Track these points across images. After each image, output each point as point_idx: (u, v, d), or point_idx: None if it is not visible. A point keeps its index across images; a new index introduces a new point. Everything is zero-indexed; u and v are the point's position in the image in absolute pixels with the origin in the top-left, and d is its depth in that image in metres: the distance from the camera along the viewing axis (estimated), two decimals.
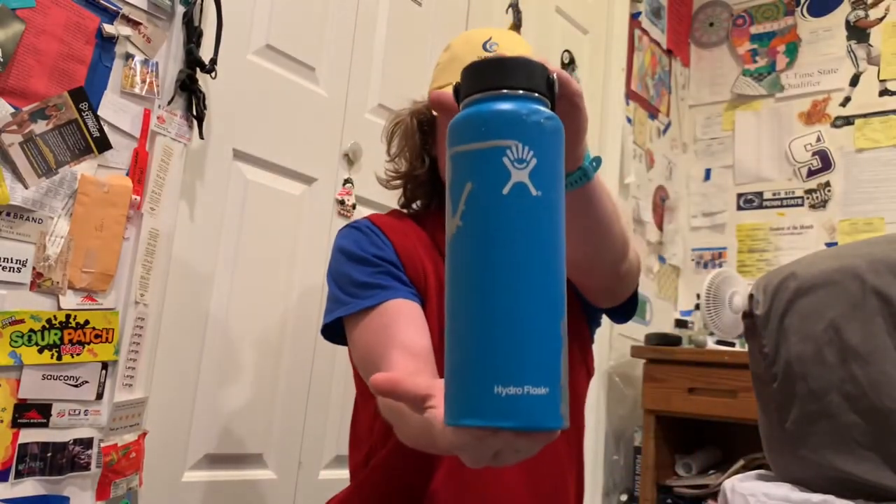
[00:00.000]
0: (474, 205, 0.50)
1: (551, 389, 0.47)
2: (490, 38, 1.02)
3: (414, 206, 1.17)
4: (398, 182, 1.15)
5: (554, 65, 0.60)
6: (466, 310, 0.49)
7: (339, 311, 0.98)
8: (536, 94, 0.53)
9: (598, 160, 0.78)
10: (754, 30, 3.03)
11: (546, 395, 0.47)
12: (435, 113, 1.06)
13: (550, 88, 0.56)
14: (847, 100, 2.78)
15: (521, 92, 0.53)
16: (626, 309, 1.07)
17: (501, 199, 0.49)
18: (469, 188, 0.50)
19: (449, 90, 0.62)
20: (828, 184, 2.78)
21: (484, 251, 0.49)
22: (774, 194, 2.89)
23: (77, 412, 1.15)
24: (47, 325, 1.10)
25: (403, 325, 0.91)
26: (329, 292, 1.03)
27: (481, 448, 0.49)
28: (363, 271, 0.99)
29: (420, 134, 1.10)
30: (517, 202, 0.49)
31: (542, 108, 0.52)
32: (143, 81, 1.24)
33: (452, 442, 0.50)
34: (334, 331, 1.02)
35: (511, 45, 1.01)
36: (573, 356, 1.04)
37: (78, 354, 1.14)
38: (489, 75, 0.53)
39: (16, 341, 1.07)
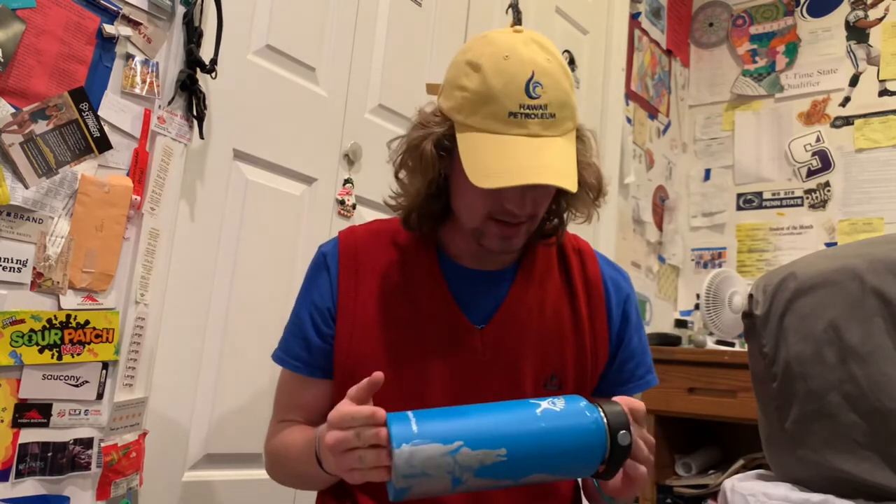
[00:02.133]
0: None
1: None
2: (533, 76, 0.91)
3: (414, 228, 1.06)
4: (408, 206, 1.05)
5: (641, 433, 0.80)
6: None
7: (276, 354, 1.10)
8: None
9: None
10: (754, 30, 3.03)
11: None
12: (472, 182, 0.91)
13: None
14: (847, 100, 2.78)
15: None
16: None
17: None
18: None
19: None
20: (827, 184, 2.78)
21: None
22: (774, 194, 2.89)
23: (77, 412, 1.15)
24: (48, 325, 1.11)
25: (303, 401, 1.07)
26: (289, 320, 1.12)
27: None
28: (295, 328, 1.08)
29: (439, 160, 0.97)
30: None
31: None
32: (144, 81, 1.24)
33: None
34: None
35: (554, 88, 0.92)
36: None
37: (78, 354, 1.14)
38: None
39: (16, 341, 1.07)
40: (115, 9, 1.20)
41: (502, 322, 1.02)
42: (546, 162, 0.90)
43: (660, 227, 2.89)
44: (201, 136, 1.34)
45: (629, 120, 2.69)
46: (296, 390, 1.07)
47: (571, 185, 0.90)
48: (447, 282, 1.03)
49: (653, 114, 2.87)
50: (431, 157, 0.96)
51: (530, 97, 0.91)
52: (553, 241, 1.07)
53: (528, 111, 0.90)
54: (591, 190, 1.01)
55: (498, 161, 0.90)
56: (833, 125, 2.79)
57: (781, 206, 2.87)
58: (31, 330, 1.09)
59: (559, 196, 1.02)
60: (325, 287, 1.05)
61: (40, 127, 1.10)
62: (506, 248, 0.98)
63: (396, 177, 1.03)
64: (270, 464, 1.08)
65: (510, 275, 1.05)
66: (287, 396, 1.09)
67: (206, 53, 1.32)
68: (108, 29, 1.19)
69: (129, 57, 1.22)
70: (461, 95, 0.94)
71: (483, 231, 0.97)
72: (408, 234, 1.06)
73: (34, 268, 1.10)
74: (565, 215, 1.06)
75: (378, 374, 0.79)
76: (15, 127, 1.07)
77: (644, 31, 2.81)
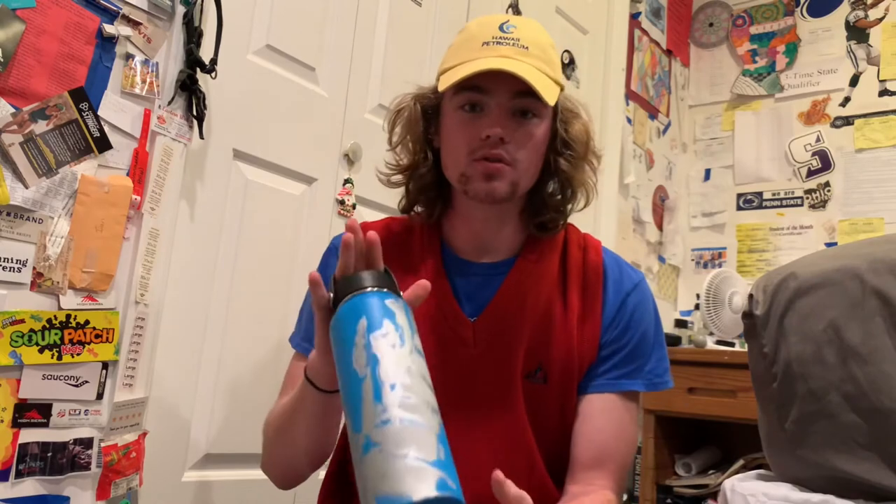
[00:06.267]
0: None
1: None
2: (507, 21, 0.98)
3: (416, 209, 1.09)
4: (399, 178, 1.08)
5: None
6: None
7: (293, 339, 1.11)
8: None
9: None
10: (754, 30, 3.03)
11: None
12: (441, 90, 0.98)
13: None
14: (847, 100, 2.78)
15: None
16: None
17: None
18: None
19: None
20: (827, 184, 2.78)
21: None
22: (774, 194, 2.89)
23: (77, 412, 1.15)
24: (47, 325, 1.10)
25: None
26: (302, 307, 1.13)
27: None
28: (305, 309, 1.11)
29: (424, 121, 1.04)
30: None
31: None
32: (144, 81, 1.24)
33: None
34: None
35: (528, 30, 0.98)
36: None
37: (78, 354, 1.14)
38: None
39: (16, 341, 1.07)
40: (115, 9, 1.20)
41: (493, 314, 1.01)
42: (514, 65, 0.93)
43: (660, 227, 2.89)
44: (201, 136, 1.34)
45: (629, 120, 2.69)
46: (299, 369, 1.05)
47: (542, 87, 0.93)
48: (448, 275, 1.04)
49: (653, 114, 2.87)
50: (416, 114, 1.03)
51: (503, 32, 0.97)
52: (556, 234, 1.06)
53: (500, 40, 0.96)
54: (576, 142, 1.02)
55: (464, 69, 0.95)
56: (833, 125, 2.79)
57: (781, 207, 2.87)
58: (31, 330, 1.09)
59: (549, 157, 1.02)
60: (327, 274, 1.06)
61: (40, 127, 1.10)
62: (490, 191, 0.96)
63: (391, 146, 1.08)
64: (265, 436, 1.03)
65: (507, 268, 1.04)
66: (290, 377, 1.08)
67: (205, 53, 1.32)
68: (108, 29, 1.19)
69: (129, 57, 1.22)
70: (448, 51, 1.02)
71: (468, 175, 0.97)
72: (416, 229, 1.08)
73: (34, 268, 1.09)
74: (568, 206, 1.05)
75: (372, 235, 0.77)
76: (15, 127, 1.07)
77: (644, 31, 2.81)
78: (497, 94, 0.96)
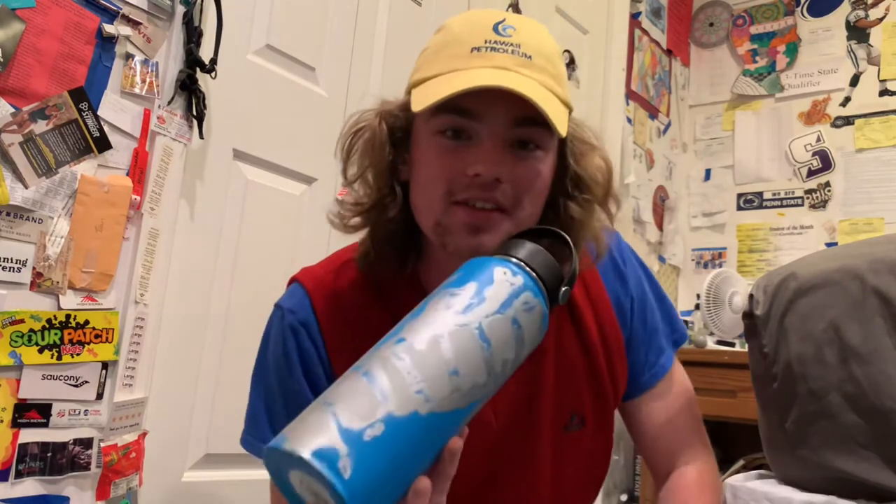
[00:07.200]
0: None
1: None
2: (504, 20, 0.74)
3: (381, 266, 0.83)
4: (359, 221, 0.84)
5: None
6: None
7: (254, 450, 0.89)
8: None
9: None
10: (754, 30, 3.03)
11: None
12: (415, 111, 0.72)
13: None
14: (847, 100, 2.78)
15: None
16: None
17: None
18: None
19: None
20: (828, 184, 2.78)
21: None
22: (774, 194, 2.88)
23: (77, 412, 1.15)
24: (47, 325, 1.10)
25: None
26: (249, 398, 0.91)
27: None
28: (267, 415, 0.88)
29: (391, 147, 0.79)
30: None
31: None
32: (143, 81, 1.24)
33: None
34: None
35: (531, 33, 0.75)
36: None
37: (78, 354, 1.14)
38: None
39: (16, 341, 1.07)
40: (115, 8, 1.20)
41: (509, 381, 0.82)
42: (517, 80, 0.70)
43: (660, 227, 2.88)
44: (201, 136, 1.34)
45: (629, 120, 2.69)
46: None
47: (554, 112, 0.69)
48: None
49: (653, 114, 2.87)
50: (381, 137, 0.78)
51: (499, 34, 0.73)
52: None
53: (495, 45, 0.72)
54: (592, 182, 0.78)
55: (447, 84, 0.70)
56: (833, 125, 2.79)
57: (782, 206, 2.86)
58: (31, 330, 1.09)
59: (555, 199, 0.78)
60: (293, 369, 0.86)
61: (40, 127, 1.10)
62: (477, 248, 0.71)
63: (346, 181, 0.85)
64: None
65: None
66: None
67: (205, 53, 1.32)
68: (108, 29, 1.19)
69: (128, 57, 1.22)
70: (421, 56, 0.78)
71: (446, 225, 0.73)
72: (385, 287, 0.84)
73: (34, 268, 1.09)
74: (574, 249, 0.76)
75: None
76: (14, 127, 1.07)
77: (644, 31, 2.81)
78: (491, 121, 0.72)
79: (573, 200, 0.78)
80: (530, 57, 0.72)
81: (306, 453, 0.47)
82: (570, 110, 0.77)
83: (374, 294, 0.84)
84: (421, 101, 0.71)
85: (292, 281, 0.92)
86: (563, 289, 0.65)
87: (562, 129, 0.70)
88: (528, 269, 0.61)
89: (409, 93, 0.77)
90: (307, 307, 0.86)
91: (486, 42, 0.72)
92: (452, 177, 0.72)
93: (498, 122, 0.72)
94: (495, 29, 0.73)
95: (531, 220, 0.76)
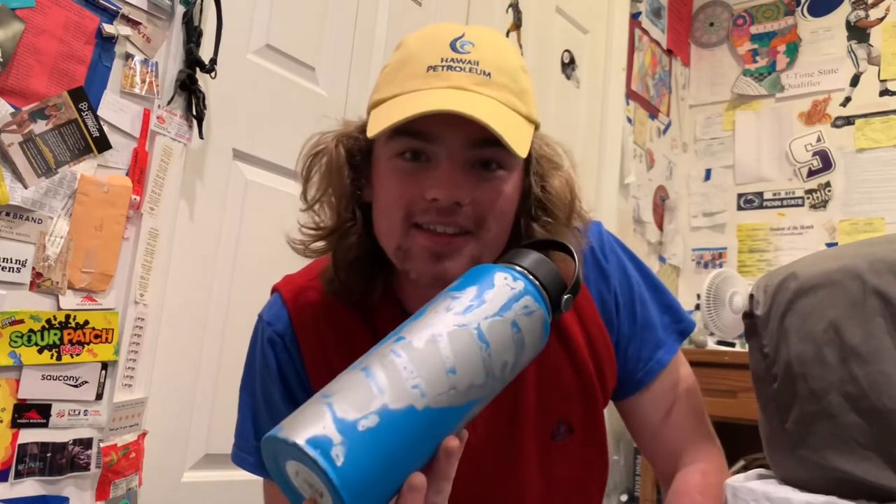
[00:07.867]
0: None
1: None
2: (462, 35, 0.73)
3: (346, 294, 0.83)
4: (322, 245, 0.85)
5: None
6: None
7: (244, 465, 0.91)
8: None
9: None
10: (754, 30, 3.03)
11: None
12: (371, 136, 0.71)
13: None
14: (847, 100, 2.78)
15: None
16: None
17: None
18: None
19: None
20: (828, 184, 2.78)
21: None
22: (775, 194, 2.88)
23: (77, 412, 1.14)
24: (47, 326, 1.10)
25: None
26: (238, 410, 0.91)
27: None
28: (253, 426, 0.88)
29: (350, 170, 0.78)
30: None
31: None
32: (143, 81, 1.24)
33: None
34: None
35: (490, 48, 0.73)
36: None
37: (77, 354, 1.14)
38: None
39: (15, 341, 1.07)
40: (115, 8, 1.20)
41: None
42: (472, 102, 0.68)
43: (660, 227, 2.88)
44: (201, 136, 1.34)
45: (629, 120, 2.69)
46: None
47: (512, 133, 0.68)
48: None
49: (653, 113, 2.87)
50: (339, 160, 0.78)
51: (456, 51, 0.71)
52: None
53: (451, 63, 0.71)
54: (555, 204, 0.76)
55: (401, 107, 0.69)
56: (834, 125, 2.79)
57: (782, 207, 2.86)
58: (31, 330, 1.09)
59: (518, 220, 0.77)
60: (287, 363, 0.86)
61: (39, 127, 1.10)
62: (440, 275, 0.70)
63: (303, 199, 0.85)
64: None
65: None
66: None
67: (205, 53, 1.32)
68: (108, 28, 1.19)
69: (128, 56, 1.22)
70: (380, 75, 0.78)
71: (407, 249, 0.73)
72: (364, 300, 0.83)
73: (33, 268, 1.09)
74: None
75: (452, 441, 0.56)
76: (14, 127, 1.07)
77: (644, 31, 2.81)
78: (449, 143, 0.70)
79: (536, 221, 0.77)
80: (489, 74, 0.71)
81: (300, 440, 0.47)
82: (537, 126, 0.76)
83: (352, 307, 0.83)
84: (375, 125, 0.71)
85: (274, 290, 0.92)
86: (566, 296, 0.65)
87: (521, 149, 0.69)
88: (529, 275, 0.62)
89: (369, 112, 0.77)
90: (285, 319, 0.86)
91: (442, 60, 0.71)
92: (411, 200, 0.72)
93: (455, 144, 0.71)
94: (452, 46, 0.72)
95: (499, 239, 0.75)
